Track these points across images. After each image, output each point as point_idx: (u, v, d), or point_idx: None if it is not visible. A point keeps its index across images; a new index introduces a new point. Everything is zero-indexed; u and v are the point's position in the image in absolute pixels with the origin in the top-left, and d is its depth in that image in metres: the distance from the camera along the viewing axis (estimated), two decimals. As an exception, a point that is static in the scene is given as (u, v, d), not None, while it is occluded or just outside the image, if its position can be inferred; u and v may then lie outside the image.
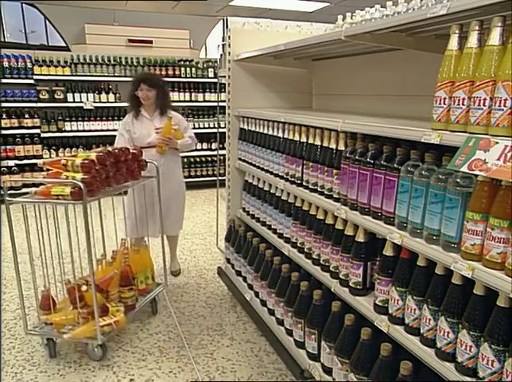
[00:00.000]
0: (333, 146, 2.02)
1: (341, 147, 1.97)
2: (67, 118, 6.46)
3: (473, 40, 1.27)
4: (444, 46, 1.36)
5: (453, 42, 1.33)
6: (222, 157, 4.79)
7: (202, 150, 7.02)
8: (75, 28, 8.09)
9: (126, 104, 6.67)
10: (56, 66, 6.35)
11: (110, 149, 2.76)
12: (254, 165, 2.86)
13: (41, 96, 6.25)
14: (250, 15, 8.04)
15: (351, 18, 3.10)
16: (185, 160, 7.01)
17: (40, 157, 6.34)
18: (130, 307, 2.86)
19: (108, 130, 6.58)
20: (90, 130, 6.54)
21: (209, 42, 9.92)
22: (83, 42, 7.40)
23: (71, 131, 6.46)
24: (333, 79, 3.04)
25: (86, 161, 2.43)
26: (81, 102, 6.44)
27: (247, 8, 7.83)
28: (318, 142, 2.14)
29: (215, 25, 9.80)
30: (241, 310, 3.16)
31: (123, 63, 6.71)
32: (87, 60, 6.54)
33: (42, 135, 6.33)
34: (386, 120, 1.90)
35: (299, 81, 3.20)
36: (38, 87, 6.25)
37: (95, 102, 6.51)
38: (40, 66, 6.24)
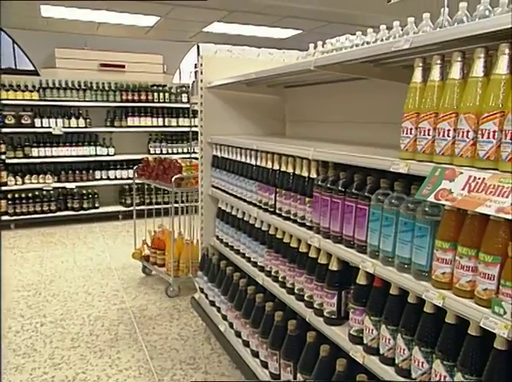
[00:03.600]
0: (305, 173, 2.05)
1: (313, 175, 2.01)
2: (34, 144, 6.36)
3: (435, 73, 1.34)
4: (411, 76, 1.43)
5: (417, 75, 1.40)
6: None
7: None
8: (45, 52, 8.06)
9: (96, 129, 6.73)
10: (23, 90, 6.29)
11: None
12: (228, 193, 2.87)
13: (7, 121, 6.15)
14: (223, 41, 8.20)
15: (322, 47, 3.22)
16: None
17: (5, 184, 6.19)
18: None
19: (78, 156, 6.51)
20: (58, 156, 6.44)
21: (183, 67, 10.03)
22: (53, 66, 7.37)
23: (39, 157, 6.36)
24: (305, 106, 3.12)
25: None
26: (49, 127, 6.36)
27: (221, 35, 8.01)
28: (290, 170, 2.17)
29: (190, 49, 9.94)
30: (215, 342, 3.10)
31: (94, 87, 6.70)
32: (57, 85, 6.50)
33: (7, 161, 6.20)
34: (357, 148, 1.95)
35: (272, 108, 3.27)
36: (4, 113, 6.16)
37: (64, 127, 6.44)
38: (7, 90, 6.17)
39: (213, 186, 3.13)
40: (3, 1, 5.36)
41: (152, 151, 7.02)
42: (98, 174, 6.78)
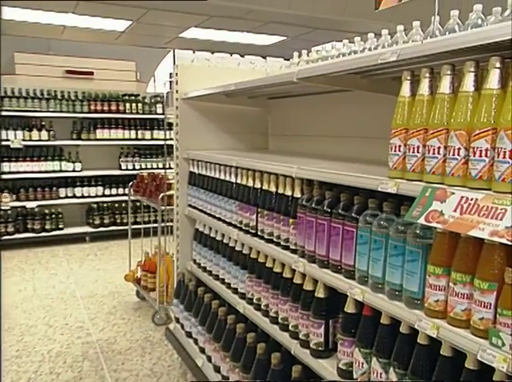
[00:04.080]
0: (289, 192, 2.07)
1: (297, 194, 2.03)
2: (-10, 159, 6.26)
3: (424, 87, 1.37)
4: (400, 89, 1.46)
5: (405, 88, 1.43)
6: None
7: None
8: (3, 57, 7.99)
9: (61, 142, 6.66)
10: (-21, 100, 6.21)
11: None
12: (205, 213, 2.87)
13: (-40, 134, 6.06)
14: (201, 48, 8.27)
15: (307, 55, 3.28)
16: (131, 204, 6.91)
17: (-42, 203, 6.06)
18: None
19: (40, 172, 6.41)
20: (18, 172, 6.33)
21: (158, 74, 10.06)
22: (12, 72, 7.29)
23: (-4, 173, 6.25)
24: (290, 118, 3.16)
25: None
26: (7, 140, 6.27)
27: (199, 41, 8.08)
28: (273, 189, 2.18)
29: (165, 56, 9.99)
30: (192, 378, 3.05)
31: (59, 97, 6.65)
32: (16, 93, 6.44)
33: (-40, 178, 6.09)
34: (344, 165, 1.98)
35: (254, 121, 3.30)
36: (-43, 124, 6.07)
37: (24, 140, 6.35)
38: (-39, 100, 6.09)
39: (190, 205, 3.12)
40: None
41: (123, 167, 6.97)
42: (62, 192, 6.69)
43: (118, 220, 6.93)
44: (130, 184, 4.69)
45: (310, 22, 6.90)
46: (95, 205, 6.87)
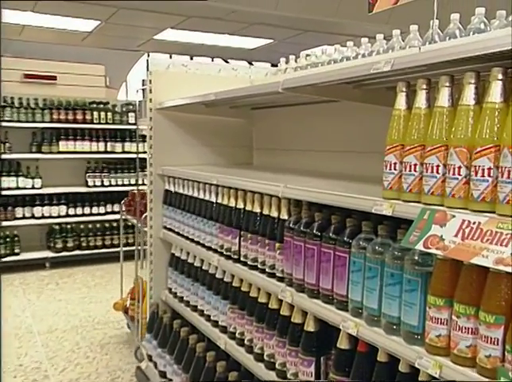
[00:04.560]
0: (275, 214, 2.09)
1: (284, 216, 2.05)
2: None
3: (421, 99, 1.41)
4: (395, 99, 1.50)
5: (400, 101, 1.47)
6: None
7: (118, 213, 6.93)
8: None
9: (18, 156, 6.59)
10: None
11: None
12: (183, 236, 2.88)
13: None
14: (178, 52, 8.33)
15: (295, 61, 3.34)
16: (98, 225, 6.89)
17: None
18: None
19: (-5, 189, 6.34)
20: (-32, 190, 6.26)
21: (131, 80, 10.09)
22: (-37, 77, 7.25)
23: None
24: (276, 131, 3.19)
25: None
26: (-43, 153, 6.21)
27: (175, 43, 8.13)
28: (257, 209, 2.21)
29: (139, 59, 10.03)
30: (166, 425, 3.01)
31: (16, 104, 6.60)
32: (-32, 101, 6.39)
33: None
34: (335, 183, 2.01)
35: (236, 133, 3.33)
36: None
37: (-24, 153, 6.30)
38: None
39: (165, 228, 3.12)
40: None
41: (90, 183, 6.91)
42: (19, 212, 6.59)
43: (84, 244, 6.86)
44: (122, 201, 4.67)
45: (299, 24, 7.01)
46: (57, 227, 6.78)
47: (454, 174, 1.30)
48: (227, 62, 10.71)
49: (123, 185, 7.03)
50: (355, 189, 1.79)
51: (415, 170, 1.40)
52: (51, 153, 6.74)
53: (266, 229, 2.12)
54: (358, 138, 2.45)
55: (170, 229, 3.05)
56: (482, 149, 1.24)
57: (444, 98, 1.35)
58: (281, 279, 2.04)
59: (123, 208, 4.58)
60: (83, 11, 6.42)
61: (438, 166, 1.34)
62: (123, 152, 7.11)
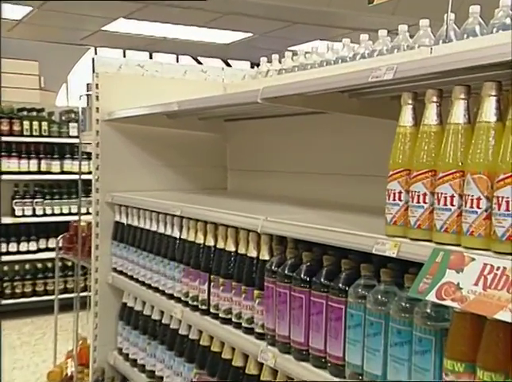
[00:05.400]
0: (253, 253, 2.09)
1: (264, 256, 2.04)
2: None
3: (431, 114, 1.43)
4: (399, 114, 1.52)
5: (406, 116, 1.49)
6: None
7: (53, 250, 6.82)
8: None
9: None
10: None
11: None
12: (137, 280, 2.86)
13: None
14: (134, 47, 8.33)
15: (279, 62, 3.38)
16: (27, 266, 6.73)
17: None
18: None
19: None
20: None
21: (72, 81, 10.05)
22: None
23: None
24: (256, 148, 3.21)
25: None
26: None
27: (130, 37, 8.13)
28: (231, 248, 2.20)
29: (83, 55, 10.03)
30: None
31: None
32: None
33: None
34: (327, 215, 2.02)
35: (207, 151, 3.34)
36: None
37: None
38: None
39: (115, 270, 3.10)
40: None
41: (18, 212, 6.76)
42: None
43: (8, 290, 6.67)
44: (60, 236, 4.60)
45: (284, 14, 7.09)
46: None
47: (472, 207, 1.31)
48: (198, 61, 10.76)
49: (61, 215, 6.90)
50: (352, 222, 1.80)
51: (424, 201, 1.41)
52: (-33, 173, 6.65)
53: (243, 273, 2.12)
54: (356, 159, 2.47)
55: (121, 272, 3.02)
56: (506, 176, 1.26)
57: (458, 113, 1.37)
58: (260, 336, 2.03)
59: (60, 245, 4.51)
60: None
61: (453, 197, 1.35)
62: (62, 172, 7.01)
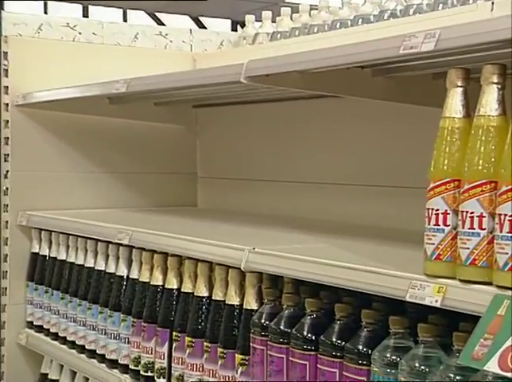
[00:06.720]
0: (234, 300, 2.08)
1: (250, 304, 2.03)
2: None
3: (490, 101, 1.41)
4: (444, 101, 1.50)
5: (454, 103, 1.48)
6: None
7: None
8: None
9: None
10: None
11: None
12: (64, 341, 2.86)
13: None
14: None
15: (273, 22, 3.36)
16: None
17: None
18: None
19: None
20: None
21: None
22: None
23: None
24: (236, 147, 3.21)
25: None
26: None
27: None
28: (203, 292, 2.19)
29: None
30: None
31: None
32: None
33: None
34: (337, 242, 2.02)
35: (168, 151, 3.33)
36: None
37: None
38: None
39: (31, 325, 3.10)
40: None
41: None
42: None
43: None
44: None
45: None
46: None
47: (551, 235, 1.31)
48: (157, 19, 10.67)
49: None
50: (372, 253, 1.80)
51: (481, 227, 1.40)
52: None
53: (219, 329, 2.11)
54: (378, 164, 2.48)
55: (41, 329, 3.01)
56: None
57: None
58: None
59: None
60: None
61: (524, 221, 1.35)
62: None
